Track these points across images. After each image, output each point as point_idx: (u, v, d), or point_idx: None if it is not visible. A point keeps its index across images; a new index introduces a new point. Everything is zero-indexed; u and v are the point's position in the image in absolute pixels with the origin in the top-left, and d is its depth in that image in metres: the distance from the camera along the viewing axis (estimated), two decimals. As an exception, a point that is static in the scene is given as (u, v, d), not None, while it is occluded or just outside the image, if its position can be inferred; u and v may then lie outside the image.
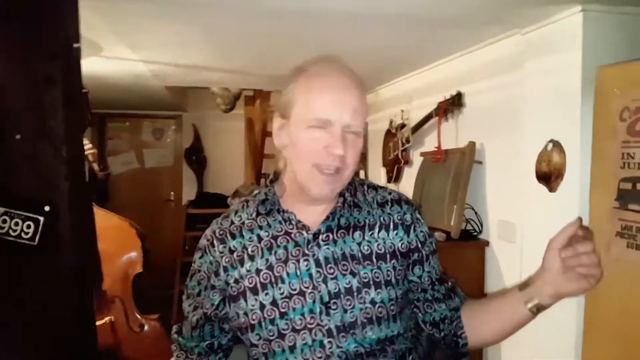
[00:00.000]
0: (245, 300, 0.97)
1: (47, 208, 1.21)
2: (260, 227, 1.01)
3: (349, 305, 0.95)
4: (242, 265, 0.99)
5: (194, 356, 1.09)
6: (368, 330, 0.95)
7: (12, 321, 1.21)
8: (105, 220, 2.51)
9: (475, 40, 2.24)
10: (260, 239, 1.00)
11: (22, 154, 1.19)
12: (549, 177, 1.74)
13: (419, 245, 1.05)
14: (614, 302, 1.51)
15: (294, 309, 0.94)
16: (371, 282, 0.97)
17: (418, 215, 1.08)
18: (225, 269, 1.00)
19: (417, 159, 2.85)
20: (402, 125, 2.94)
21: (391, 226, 1.03)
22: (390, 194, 1.09)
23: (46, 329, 1.25)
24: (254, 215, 1.03)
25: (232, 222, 1.04)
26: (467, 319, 1.06)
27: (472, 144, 2.29)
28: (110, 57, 2.53)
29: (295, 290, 0.95)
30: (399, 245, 1.02)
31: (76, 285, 1.29)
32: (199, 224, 4.99)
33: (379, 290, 0.97)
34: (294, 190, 1.02)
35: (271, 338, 0.95)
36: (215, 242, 1.03)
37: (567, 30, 1.67)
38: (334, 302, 0.95)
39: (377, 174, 3.43)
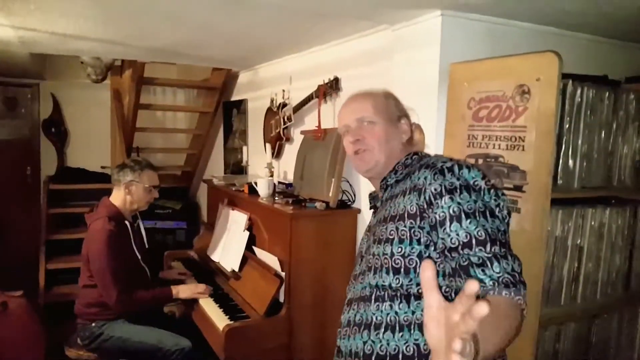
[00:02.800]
0: None
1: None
2: None
3: (367, 256, 1.27)
4: None
5: None
6: (366, 277, 1.24)
7: None
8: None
9: (350, 31, 2.52)
10: None
11: None
12: (412, 153, 2.07)
13: (425, 207, 1.11)
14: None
15: (359, 264, 1.34)
16: (376, 239, 1.23)
17: (431, 176, 1.11)
18: None
19: (297, 137, 3.08)
20: (284, 105, 3.14)
21: (407, 191, 1.19)
22: (430, 161, 1.20)
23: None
24: None
25: None
26: None
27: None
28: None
29: (362, 251, 1.36)
30: (409, 207, 1.15)
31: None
32: (64, 200, 4.73)
33: (378, 245, 1.21)
34: None
35: None
36: None
37: (428, 30, 1.99)
38: (364, 256, 1.30)
39: (259, 149, 3.60)
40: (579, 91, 1.71)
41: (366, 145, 1.31)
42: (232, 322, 2.42)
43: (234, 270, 2.82)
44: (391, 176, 1.30)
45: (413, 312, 1.13)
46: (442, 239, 1.07)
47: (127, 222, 2.67)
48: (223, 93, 4.46)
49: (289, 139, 3.20)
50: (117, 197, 2.68)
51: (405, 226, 1.13)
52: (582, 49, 2.26)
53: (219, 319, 2.49)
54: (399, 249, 1.14)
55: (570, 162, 1.73)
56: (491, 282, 0.99)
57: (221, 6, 2.09)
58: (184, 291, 2.73)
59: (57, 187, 4.66)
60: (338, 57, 2.74)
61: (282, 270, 2.44)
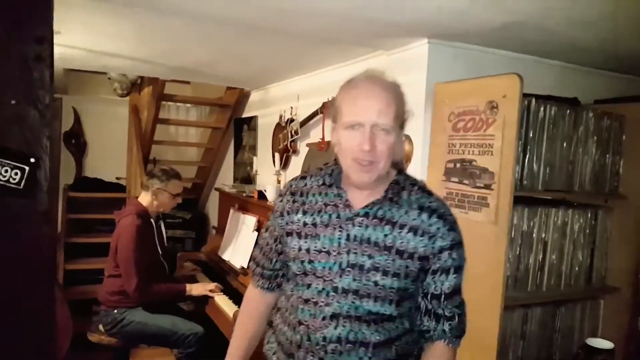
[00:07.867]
0: (292, 239, 1.32)
1: (32, 160, 1.52)
2: (320, 194, 1.32)
3: (359, 277, 1.23)
4: (296, 215, 1.33)
5: (262, 279, 1.45)
6: (364, 301, 1.23)
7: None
8: None
9: (352, 55, 2.86)
10: (316, 202, 1.31)
11: (15, 115, 1.49)
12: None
13: (430, 256, 1.25)
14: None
15: (319, 261, 1.27)
16: (380, 269, 1.22)
17: (445, 230, 1.25)
18: (287, 214, 1.35)
19: (302, 149, 3.41)
20: (291, 120, 3.48)
21: (419, 232, 1.24)
22: (431, 202, 1.28)
23: (19, 261, 1.54)
24: (319, 183, 1.34)
25: (305, 184, 1.36)
26: None
27: (347, 137, 2.91)
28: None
29: (325, 248, 1.26)
30: (420, 249, 1.24)
31: (46, 225, 1.60)
32: (81, 207, 5.04)
33: (384, 277, 1.22)
34: (345, 175, 1.30)
35: (298, 273, 1.31)
36: (288, 193, 1.38)
37: (417, 55, 2.34)
38: (348, 270, 1.24)
39: (266, 162, 3.92)
40: (541, 108, 2.03)
41: (375, 158, 1.19)
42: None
43: (243, 267, 3.11)
44: (382, 195, 1.27)
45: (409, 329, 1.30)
46: (428, 283, 1.27)
47: (152, 220, 2.98)
48: (235, 110, 4.82)
49: (295, 151, 3.53)
50: (144, 199, 2.99)
51: (415, 266, 1.23)
52: (555, 75, 2.58)
53: (229, 308, 2.79)
54: (404, 284, 1.24)
55: (535, 166, 2.04)
56: (450, 334, 1.29)
57: (242, 32, 2.45)
58: (196, 288, 3.02)
59: (75, 195, 5.00)
60: (340, 78, 3.06)
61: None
